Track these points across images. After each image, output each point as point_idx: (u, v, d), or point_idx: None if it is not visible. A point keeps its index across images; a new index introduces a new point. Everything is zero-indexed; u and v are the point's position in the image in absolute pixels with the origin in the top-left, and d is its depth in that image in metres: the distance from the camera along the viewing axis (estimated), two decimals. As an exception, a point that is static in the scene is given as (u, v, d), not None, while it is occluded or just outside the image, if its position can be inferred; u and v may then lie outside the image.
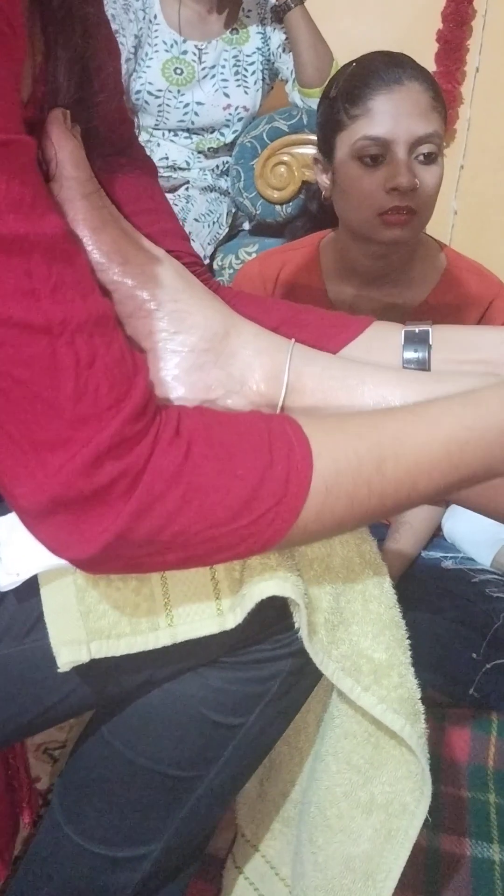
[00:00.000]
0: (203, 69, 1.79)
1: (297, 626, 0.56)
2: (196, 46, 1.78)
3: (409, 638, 0.61)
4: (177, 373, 0.56)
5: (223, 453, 0.47)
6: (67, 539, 0.45)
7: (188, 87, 1.79)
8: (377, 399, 0.57)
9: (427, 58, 2.10)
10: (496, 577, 1.26)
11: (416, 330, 0.62)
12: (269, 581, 0.54)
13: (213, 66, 1.80)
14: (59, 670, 0.53)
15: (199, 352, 0.56)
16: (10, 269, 0.42)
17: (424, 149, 1.09)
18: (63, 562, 0.53)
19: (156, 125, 1.83)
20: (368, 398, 0.57)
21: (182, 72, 1.78)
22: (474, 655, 1.16)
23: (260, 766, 0.78)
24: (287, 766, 0.76)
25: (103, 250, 0.54)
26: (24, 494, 0.44)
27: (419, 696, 0.60)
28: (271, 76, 1.87)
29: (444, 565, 1.30)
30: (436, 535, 1.36)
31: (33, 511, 0.45)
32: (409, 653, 0.60)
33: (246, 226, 1.97)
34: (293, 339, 0.59)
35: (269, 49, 1.84)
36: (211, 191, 1.88)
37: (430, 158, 1.10)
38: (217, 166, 1.90)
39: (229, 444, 0.48)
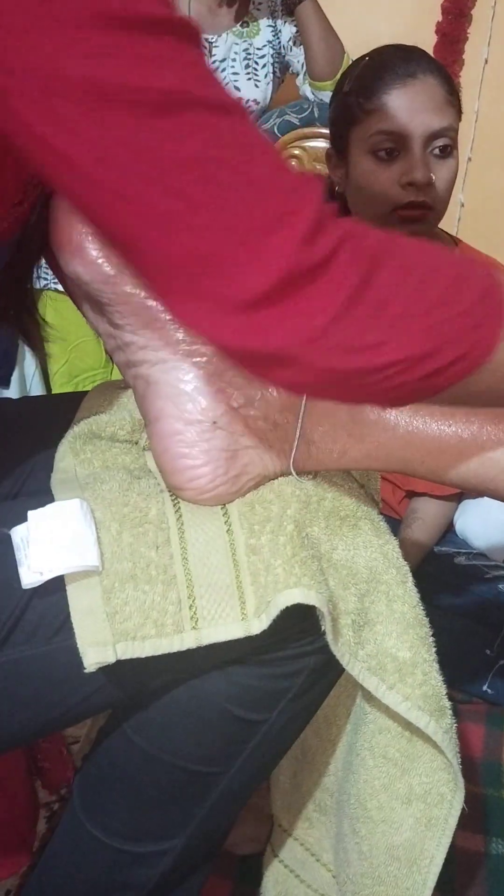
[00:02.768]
0: (213, 63, 1.78)
1: (322, 629, 0.56)
2: (206, 40, 1.77)
3: (430, 635, 0.61)
4: (196, 384, 0.56)
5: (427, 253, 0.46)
6: (295, 319, 0.43)
7: (198, 80, 1.79)
8: None
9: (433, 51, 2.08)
10: (509, 573, 1.26)
11: None
12: (293, 589, 0.54)
13: (224, 60, 1.79)
14: (85, 671, 0.53)
15: (217, 361, 0.56)
16: (183, 53, 0.41)
17: (440, 143, 1.09)
18: (86, 563, 0.53)
19: (166, 119, 1.83)
20: None
21: (191, 65, 1.78)
22: (488, 651, 1.16)
23: (293, 759, 0.79)
24: (320, 758, 0.77)
25: (113, 262, 0.54)
26: (249, 284, 0.42)
27: (444, 692, 0.60)
28: (282, 69, 1.86)
29: (456, 561, 1.30)
30: (448, 531, 1.36)
31: (259, 297, 0.42)
32: (434, 650, 0.61)
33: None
34: None
35: (279, 42, 1.83)
36: (221, 185, 1.87)
37: (446, 152, 1.10)
38: (227, 160, 1.89)
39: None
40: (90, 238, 0.54)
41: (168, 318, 0.55)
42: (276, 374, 0.46)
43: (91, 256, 0.54)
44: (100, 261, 0.53)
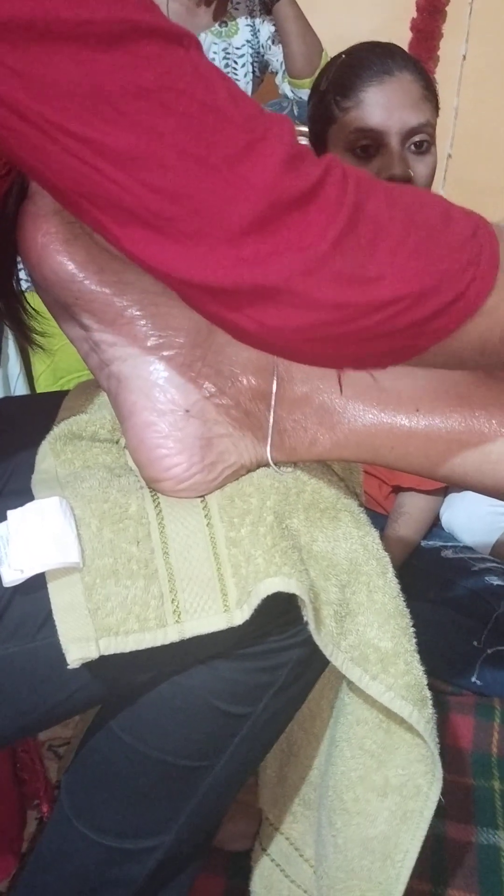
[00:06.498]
0: (192, 62, 1.79)
1: (305, 620, 0.56)
2: (185, 39, 1.78)
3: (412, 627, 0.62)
4: (167, 375, 0.57)
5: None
6: (290, 249, 0.41)
7: (178, 80, 1.79)
8: (368, 380, 0.57)
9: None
10: (496, 565, 1.27)
11: None
12: (274, 578, 0.54)
13: (203, 60, 1.80)
14: (68, 667, 0.53)
15: (187, 351, 0.56)
16: None
17: (417, 138, 1.09)
18: (67, 560, 0.53)
19: (146, 119, 1.83)
20: (358, 379, 0.57)
21: (171, 65, 1.78)
22: (476, 643, 1.17)
23: (279, 752, 0.80)
24: (305, 752, 0.77)
25: (77, 261, 0.55)
26: (238, 213, 0.40)
27: (426, 683, 0.61)
28: (261, 68, 1.87)
29: (443, 555, 1.31)
30: (434, 525, 1.37)
31: (246, 227, 0.40)
32: (415, 640, 0.61)
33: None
34: None
35: (258, 41, 1.83)
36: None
37: (424, 148, 1.10)
38: (208, 160, 1.90)
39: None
40: (55, 239, 0.54)
41: (135, 313, 0.56)
42: (267, 316, 0.43)
43: (55, 256, 0.54)
44: (63, 259, 0.54)
